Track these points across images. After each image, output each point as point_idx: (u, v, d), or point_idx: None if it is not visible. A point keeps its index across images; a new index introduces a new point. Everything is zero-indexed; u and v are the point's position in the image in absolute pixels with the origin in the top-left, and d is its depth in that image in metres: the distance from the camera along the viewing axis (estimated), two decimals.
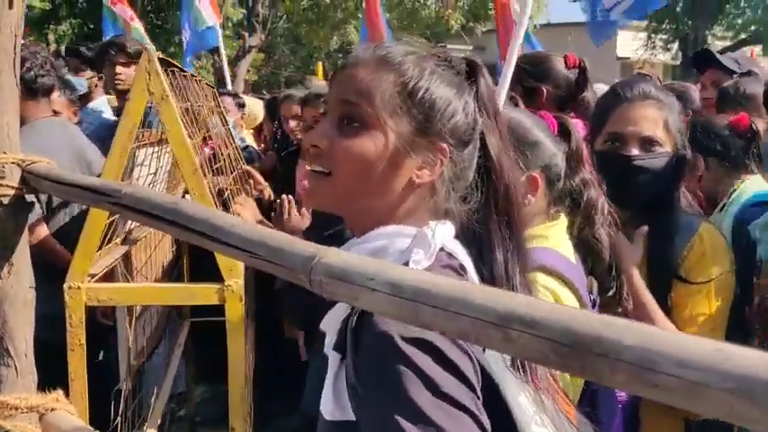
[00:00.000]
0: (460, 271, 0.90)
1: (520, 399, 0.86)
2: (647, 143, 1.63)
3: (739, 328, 1.65)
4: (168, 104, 1.53)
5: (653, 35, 22.30)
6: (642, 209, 1.66)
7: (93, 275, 1.59)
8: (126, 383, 1.84)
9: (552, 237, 1.32)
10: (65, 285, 1.57)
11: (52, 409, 1.32)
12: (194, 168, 1.54)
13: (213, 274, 3.41)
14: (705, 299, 1.59)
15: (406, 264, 0.84)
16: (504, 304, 0.56)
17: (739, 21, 21.44)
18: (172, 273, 2.77)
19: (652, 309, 1.54)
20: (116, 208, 1.06)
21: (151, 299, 1.79)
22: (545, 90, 2.47)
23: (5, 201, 1.27)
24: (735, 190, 2.05)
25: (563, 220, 1.36)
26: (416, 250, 0.86)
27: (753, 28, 20.70)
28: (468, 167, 0.95)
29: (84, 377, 1.55)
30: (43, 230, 2.37)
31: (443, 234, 0.89)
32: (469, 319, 0.58)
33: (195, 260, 3.26)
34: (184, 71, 2.05)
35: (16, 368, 1.30)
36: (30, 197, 1.34)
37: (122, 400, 1.77)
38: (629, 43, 22.06)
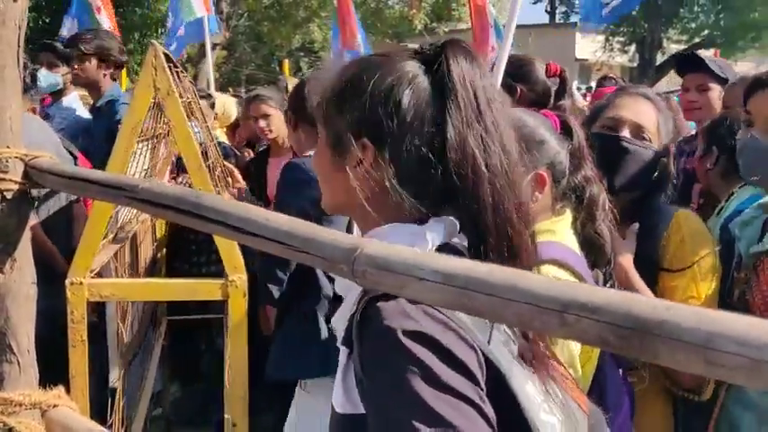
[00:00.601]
0: None
1: (527, 388, 0.87)
2: (639, 131, 1.70)
3: None
4: (174, 100, 1.51)
5: (610, 38, 22.77)
6: (628, 205, 1.71)
7: (91, 271, 1.57)
8: (120, 381, 1.82)
9: (559, 231, 1.35)
10: (67, 281, 1.55)
11: (54, 406, 1.31)
12: (199, 164, 1.54)
13: (187, 271, 3.38)
14: (691, 283, 1.65)
15: None
16: (564, 291, 0.59)
17: (693, 24, 22.00)
18: (153, 269, 2.75)
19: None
20: (132, 202, 1.06)
21: (154, 294, 1.77)
22: (519, 89, 2.52)
23: (8, 195, 1.26)
24: (733, 194, 2.09)
25: (568, 215, 1.40)
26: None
27: (706, 32, 21.26)
28: (412, 158, 0.90)
29: (85, 374, 1.53)
30: (32, 219, 2.33)
31: (440, 230, 0.90)
32: (527, 305, 0.61)
33: (171, 257, 3.25)
34: (177, 67, 2.03)
35: (19, 364, 1.29)
36: None
37: (117, 398, 1.75)
38: (588, 45, 22.50)
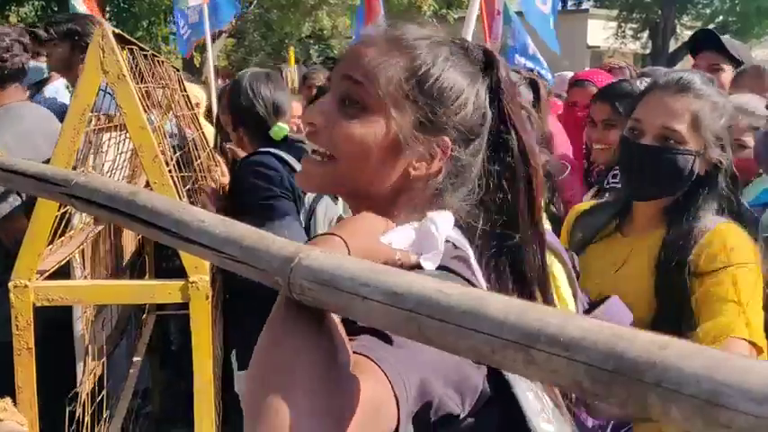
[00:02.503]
0: (470, 262, 0.86)
1: (529, 396, 0.84)
2: (664, 135, 1.48)
3: None
4: (125, 85, 1.38)
5: (623, 24, 22.43)
6: (664, 214, 1.53)
7: (44, 272, 1.44)
8: (84, 386, 1.71)
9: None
10: (10, 284, 1.42)
11: None
12: (155, 155, 1.40)
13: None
14: (730, 285, 1.41)
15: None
16: (531, 319, 0.46)
17: (707, 11, 21.69)
18: (135, 265, 2.62)
19: None
20: (68, 199, 0.94)
21: (108, 297, 1.63)
22: None
23: None
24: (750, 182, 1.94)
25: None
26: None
27: (721, 18, 20.94)
28: (470, 165, 0.90)
29: (32, 384, 1.40)
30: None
31: (444, 225, 0.84)
32: (485, 336, 0.48)
33: (164, 254, 3.11)
34: (145, 50, 1.90)
35: None
36: None
37: (79, 405, 1.64)
38: (600, 32, 22.18)
